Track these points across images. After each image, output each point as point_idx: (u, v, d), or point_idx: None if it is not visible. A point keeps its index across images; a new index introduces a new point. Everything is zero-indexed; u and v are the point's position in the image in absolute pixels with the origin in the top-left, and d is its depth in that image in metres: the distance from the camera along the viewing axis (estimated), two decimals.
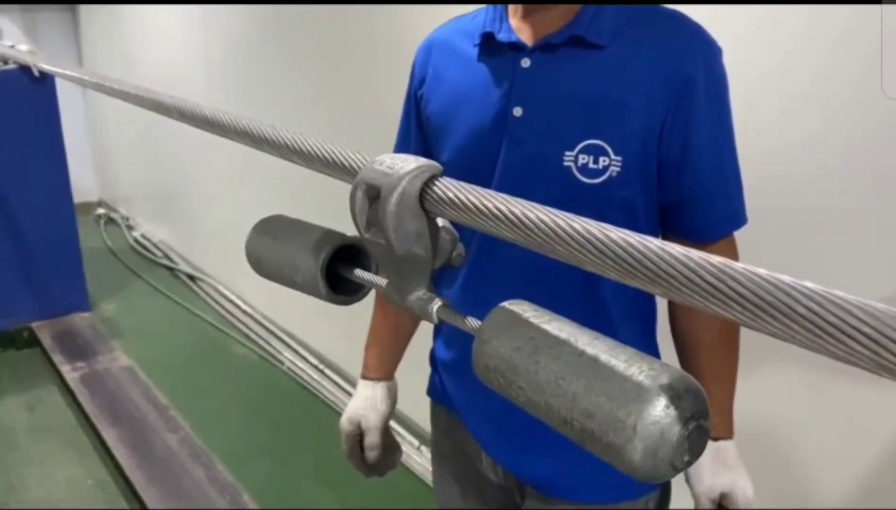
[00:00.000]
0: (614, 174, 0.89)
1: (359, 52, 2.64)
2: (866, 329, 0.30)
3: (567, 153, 0.89)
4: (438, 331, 1.14)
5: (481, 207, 0.48)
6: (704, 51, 0.90)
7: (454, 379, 1.10)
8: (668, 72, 0.88)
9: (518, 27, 0.94)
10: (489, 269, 0.98)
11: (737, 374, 1.01)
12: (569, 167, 0.89)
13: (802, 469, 1.48)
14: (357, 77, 2.68)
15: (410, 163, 0.52)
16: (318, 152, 0.60)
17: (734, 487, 0.98)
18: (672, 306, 1.02)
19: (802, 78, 1.36)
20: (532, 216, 0.45)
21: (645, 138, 0.89)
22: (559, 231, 0.43)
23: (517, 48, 0.93)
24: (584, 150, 0.88)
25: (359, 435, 1.17)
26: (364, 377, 1.19)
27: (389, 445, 1.20)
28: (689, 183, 0.92)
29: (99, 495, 2.42)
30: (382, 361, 1.19)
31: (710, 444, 0.97)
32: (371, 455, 1.17)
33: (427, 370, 1.18)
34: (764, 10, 1.39)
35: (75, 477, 2.51)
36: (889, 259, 1.29)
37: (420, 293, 0.56)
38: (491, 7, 0.98)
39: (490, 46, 0.95)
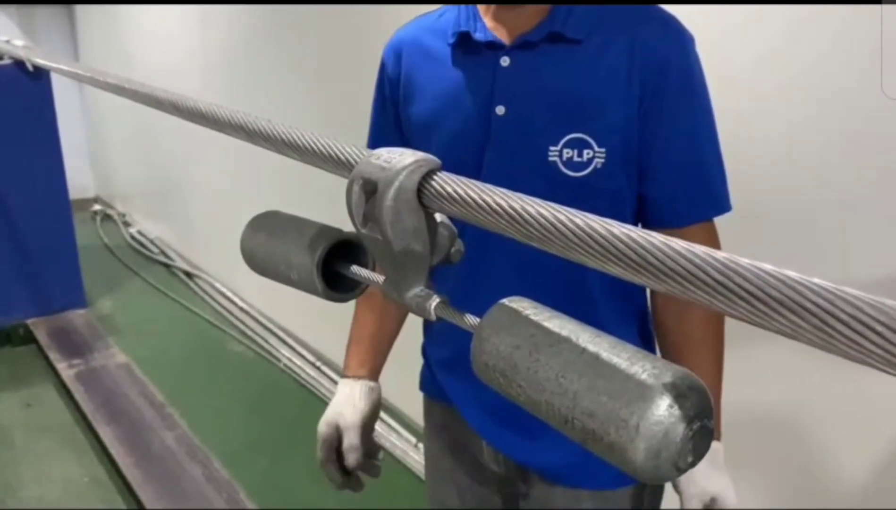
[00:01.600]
0: (599, 166, 0.90)
1: (358, 53, 2.63)
2: (878, 327, 0.29)
3: (552, 148, 0.90)
4: (428, 328, 1.13)
5: (480, 202, 0.47)
6: (677, 38, 0.92)
7: (451, 375, 1.08)
8: (642, 58, 0.89)
9: (492, 26, 0.95)
10: (483, 265, 0.97)
11: (723, 374, 1.00)
12: (554, 162, 0.90)
13: (807, 465, 1.48)
14: (356, 77, 2.67)
15: (408, 157, 0.51)
16: (314, 146, 0.59)
17: (725, 491, 0.97)
18: (654, 302, 1.01)
19: (802, 76, 1.35)
20: (532, 211, 0.44)
21: (626, 127, 0.90)
22: (560, 226, 0.42)
23: (495, 47, 0.93)
24: (569, 144, 0.90)
25: (336, 439, 1.08)
26: (343, 376, 1.15)
27: (371, 451, 1.10)
28: (664, 163, 0.93)
29: (95, 493, 2.41)
30: (363, 360, 1.14)
31: None
32: (350, 458, 1.07)
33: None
34: (764, 10, 1.38)
35: (71, 475, 2.50)
36: (890, 259, 1.28)
37: (418, 290, 0.55)
38: (460, 6, 0.98)
39: (466, 45, 0.96)
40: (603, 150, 0.90)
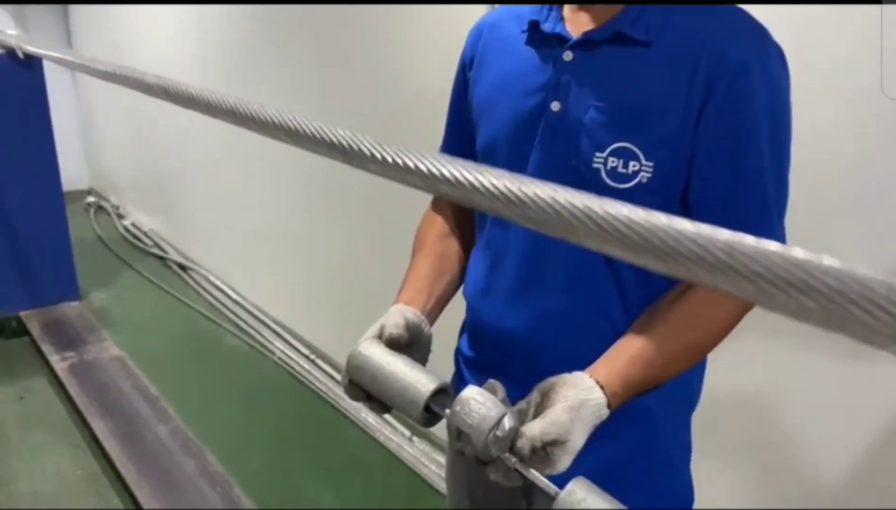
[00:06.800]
0: (644, 180, 0.86)
1: (356, 52, 2.61)
2: (890, 307, 0.28)
3: (597, 154, 0.87)
4: (464, 328, 1.11)
5: (477, 184, 0.45)
6: (755, 44, 0.85)
7: (479, 375, 1.07)
8: (710, 63, 0.83)
9: (570, 17, 0.92)
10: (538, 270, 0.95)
11: (677, 365, 0.88)
12: (598, 169, 0.87)
13: (791, 462, 1.47)
14: (354, 76, 2.65)
15: (491, 415, 0.76)
16: (305, 129, 0.58)
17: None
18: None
19: (800, 76, 1.34)
20: (529, 192, 0.42)
21: (678, 140, 0.85)
22: (558, 207, 0.41)
23: (561, 40, 0.91)
24: (615, 153, 0.86)
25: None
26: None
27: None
28: (709, 186, 0.86)
29: (89, 487, 2.39)
30: (412, 298, 0.98)
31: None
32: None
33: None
34: (771, 10, 1.37)
35: (65, 469, 2.49)
36: (888, 261, 1.28)
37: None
38: None
39: (536, 35, 0.94)
40: (651, 163, 0.85)
